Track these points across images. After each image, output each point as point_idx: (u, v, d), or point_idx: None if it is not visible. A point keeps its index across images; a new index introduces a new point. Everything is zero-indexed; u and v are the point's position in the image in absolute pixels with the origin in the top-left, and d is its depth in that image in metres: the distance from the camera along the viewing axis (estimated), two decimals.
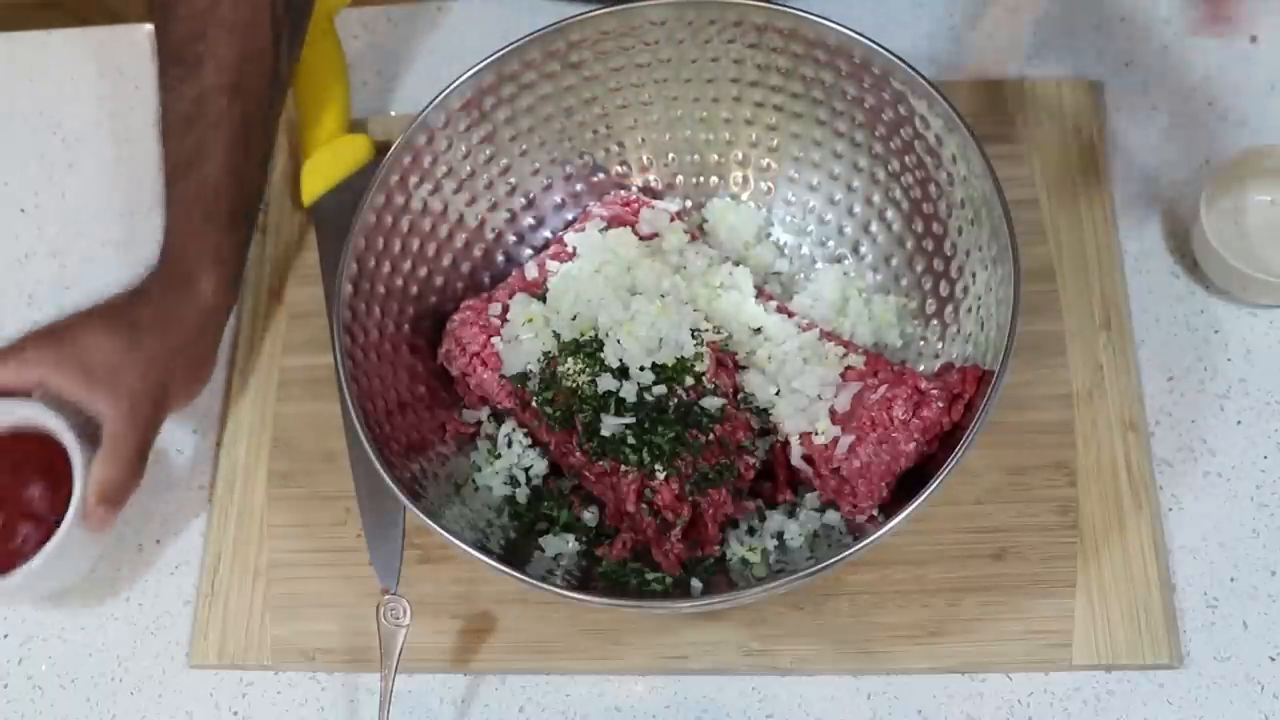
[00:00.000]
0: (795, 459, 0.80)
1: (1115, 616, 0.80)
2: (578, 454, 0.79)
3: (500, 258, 0.91)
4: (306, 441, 0.91)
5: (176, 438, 0.93)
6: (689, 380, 0.78)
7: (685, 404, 0.77)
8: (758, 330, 0.83)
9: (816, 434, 0.79)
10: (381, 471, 0.75)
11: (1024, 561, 0.82)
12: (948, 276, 0.83)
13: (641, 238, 0.86)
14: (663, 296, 0.81)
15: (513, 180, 0.90)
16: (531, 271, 0.87)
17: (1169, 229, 0.91)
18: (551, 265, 0.86)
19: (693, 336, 0.79)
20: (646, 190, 0.92)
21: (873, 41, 0.80)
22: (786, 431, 0.80)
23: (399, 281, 0.85)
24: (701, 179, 0.92)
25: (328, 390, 0.90)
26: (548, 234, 0.91)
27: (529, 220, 0.91)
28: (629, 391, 0.77)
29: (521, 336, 0.82)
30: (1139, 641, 0.79)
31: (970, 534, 0.83)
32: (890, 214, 0.87)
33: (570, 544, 0.81)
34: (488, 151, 0.88)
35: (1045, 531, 0.82)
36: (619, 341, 0.79)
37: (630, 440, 0.77)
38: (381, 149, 0.98)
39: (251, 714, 0.85)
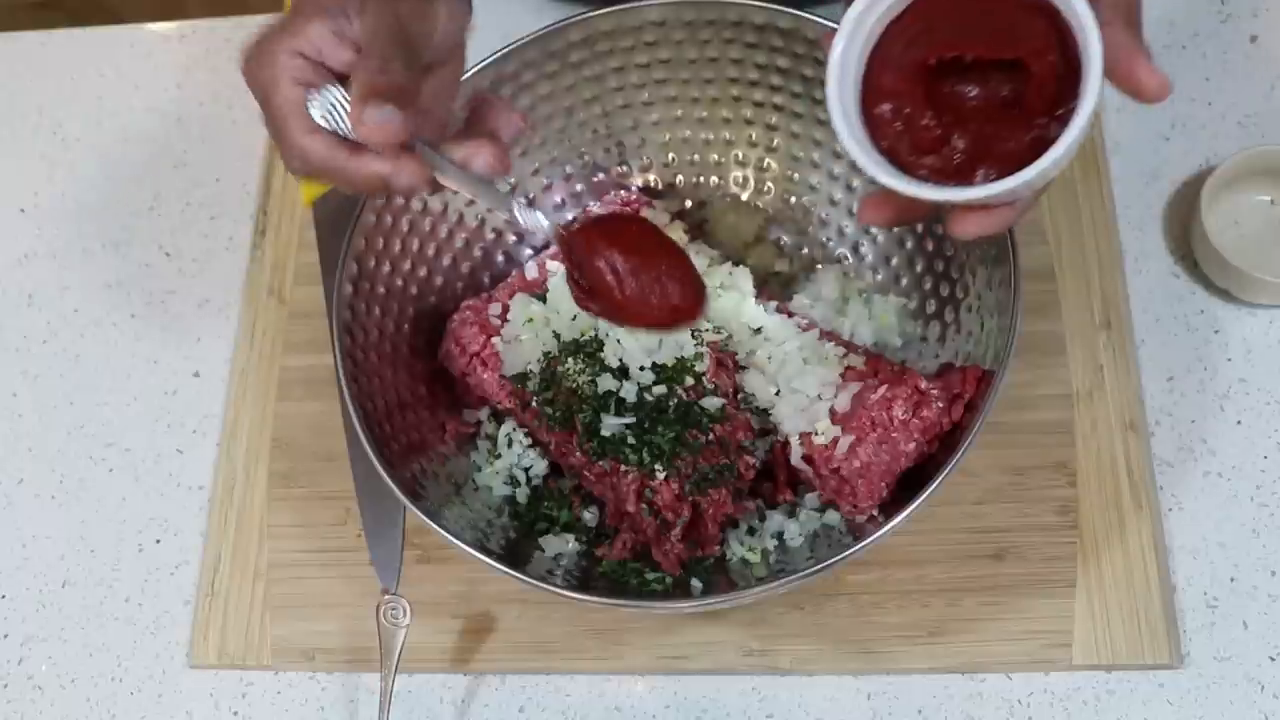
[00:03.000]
0: (795, 459, 0.80)
1: (1115, 616, 0.80)
2: (578, 454, 0.79)
3: (500, 258, 0.91)
4: (306, 441, 0.91)
5: (177, 438, 0.93)
6: (689, 380, 0.78)
7: (685, 404, 0.77)
8: (758, 330, 0.83)
9: (816, 434, 0.79)
10: (381, 471, 0.75)
11: (1024, 561, 0.82)
12: (948, 276, 0.83)
13: None
14: None
15: (513, 180, 0.90)
16: (531, 271, 0.87)
17: (1169, 229, 0.92)
18: (551, 265, 0.86)
19: (692, 336, 0.79)
20: (646, 190, 0.92)
21: None
22: (786, 431, 0.80)
23: (399, 281, 0.85)
24: (701, 179, 0.92)
25: (328, 390, 0.90)
26: None
27: None
28: (629, 391, 0.77)
29: (521, 336, 0.82)
30: (1139, 641, 0.79)
31: (970, 534, 0.83)
32: None
33: (570, 544, 0.81)
34: None
35: (1045, 531, 0.82)
36: (619, 341, 0.79)
37: (630, 440, 0.77)
38: None
39: (251, 714, 0.85)
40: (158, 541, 0.90)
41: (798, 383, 0.80)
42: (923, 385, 0.77)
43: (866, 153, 0.63)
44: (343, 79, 0.62)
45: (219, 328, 0.97)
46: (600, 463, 0.78)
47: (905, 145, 0.64)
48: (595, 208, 0.89)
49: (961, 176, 0.63)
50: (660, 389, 0.77)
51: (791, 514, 0.81)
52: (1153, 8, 0.99)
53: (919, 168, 0.63)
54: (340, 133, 0.62)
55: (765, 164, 0.91)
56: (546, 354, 0.81)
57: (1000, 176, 0.62)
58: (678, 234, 0.87)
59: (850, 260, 0.89)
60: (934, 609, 0.81)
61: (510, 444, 0.84)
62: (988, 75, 0.63)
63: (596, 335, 0.80)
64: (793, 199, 0.91)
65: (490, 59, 0.83)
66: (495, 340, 0.83)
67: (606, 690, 0.83)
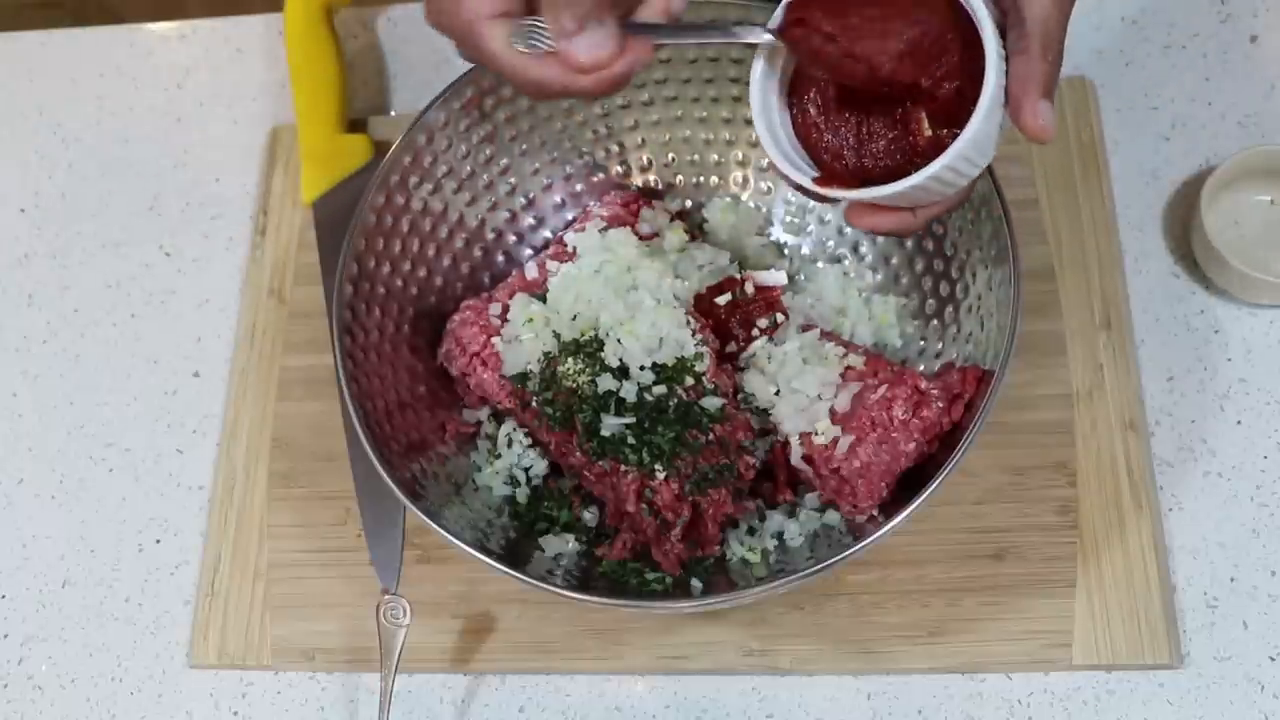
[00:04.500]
0: (795, 459, 0.80)
1: (1115, 616, 0.80)
2: (578, 454, 0.79)
3: (500, 258, 0.91)
4: (306, 441, 0.91)
5: (177, 438, 0.93)
6: (689, 380, 0.78)
7: (685, 404, 0.77)
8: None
9: (816, 434, 0.79)
10: (381, 471, 0.75)
11: (1024, 561, 0.82)
12: (948, 276, 0.83)
13: (641, 238, 0.86)
14: (658, 302, 0.81)
15: (513, 180, 0.90)
16: (531, 271, 0.87)
17: (1169, 229, 0.91)
18: (551, 265, 0.86)
19: (692, 336, 0.79)
20: (646, 190, 0.92)
21: None
22: (786, 431, 0.80)
23: (399, 281, 0.85)
24: (701, 179, 0.92)
25: (328, 390, 0.90)
26: (548, 234, 0.92)
27: (529, 220, 0.91)
28: (629, 391, 0.77)
29: (521, 336, 0.82)
30: (1139, 641, 0.79)
31: (970, 534, 0.83)
32: None
33: (570, 544, 0.81)
34: (488, 151, 0.88)
35: (1045, 531, 0.82)
36: (619, 341, 0.79)
37: (630, 440, 0.77)
38: (381, 149, 0.98)
39: (251, 714, 0.85)
40: (158, 541, 0.90)
41: (798, 383, 0.80)
42: (923, 385, 0.77)
43: (777, 143, 0.67)
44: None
45: (219, 328, 0.97)
46: (600, 463, 0.78)
47: (820, 134, 0.67)
48: (595, 207, 0.89)
49: (849, 176, 0.67)
50: (660, 389, 0.77)
51: (791, 514, 0.81)
52: (1153, 8, 0.99)
53: (826, 155, 0.67)
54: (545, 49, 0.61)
55: (765, 164, 0.91)
56: (546, 354, 0.81)
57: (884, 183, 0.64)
58: (678, 234, 0.87)
59: (850, 260, 0.89)
60: (934, 609, 0.81)
61: (510, 444, 0.84)
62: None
63: (596, 335, 0.80)
64: (793, 199, 0.91)
65: None
66: (495, 340, 0.83)
67: (606, 690, 0.83)
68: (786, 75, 0.68)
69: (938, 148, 0.64)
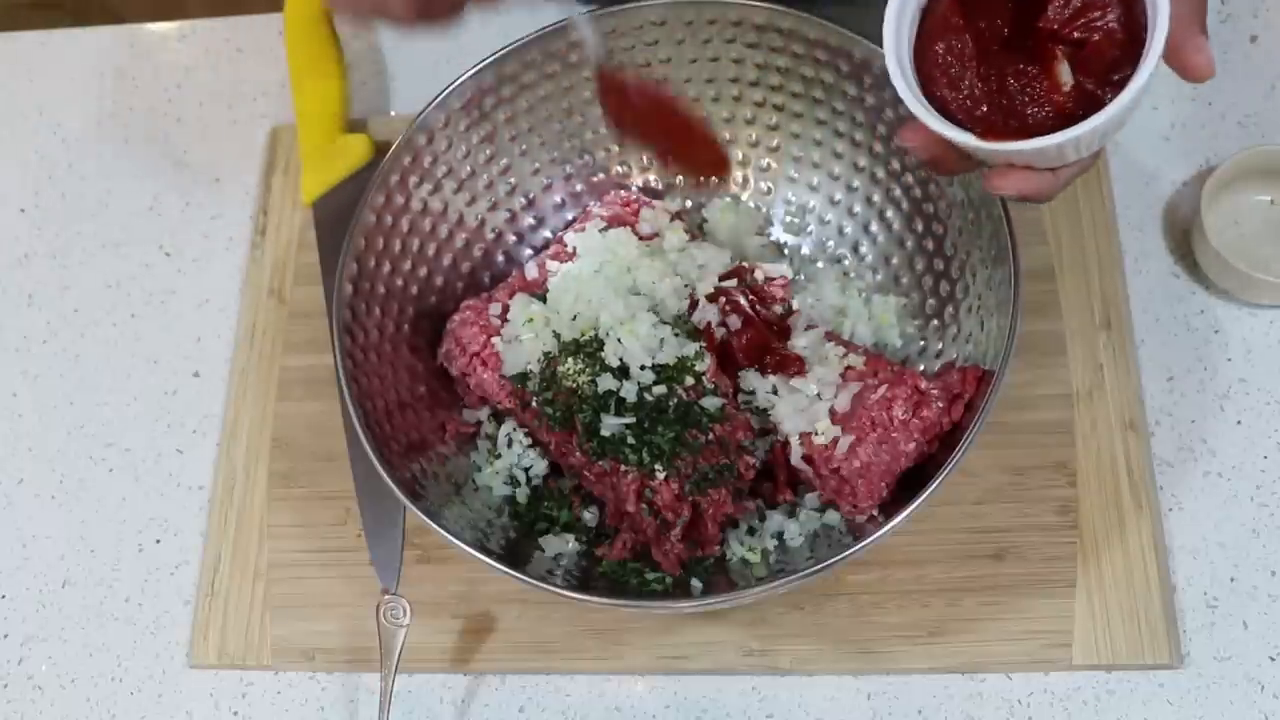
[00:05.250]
0: (795, 459, 0.80)
1: (1115, 616, 0.80)
2: (578, 454, 0.79)
3: (500, 258, 0.91)
4: (306, 441, 0.91)
5: (177, 438, 0.93)
6: (689, 380, 0.78)
7: (685, 404, 0.77)
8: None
9: (816, 434, 0.79)
10: (381, 471, 0.75)
11: (1024, 561, 0.82)
12: (948, 276, 0.83)
13: (641, 238, 0.86)
14: (655, 308, 0.81)
15: (513, 180, 0.90)
16: (531, 271, 0.87)
17: (1169, 229, 0.92)
18: (551, 265, 0.86)
19: (691, 339, 0.79)
20: (646, 190, 0.92)
21: (873, 42, 0.81)
22: (786, 431, 0.80)
23: (399, 281, 0.85)
24: (701, 179, 0.92)
25: (328, 390, 0.90)
26: (548, 234, 0.92)
27: (529, 220, 0.91)
28: (629, 391, 0.77)
29: (521, 336, 0.82)
30: (1139, 641, 0.79)
31: (970, 534, 0.83)
32: (890, 214, 0.87)
33: (570, 544, 0.81)
34: (488, 151, 0.88)
35: (1045, 531, 0.82)
36: (619, 341, 0.79)
37: (630, 440, 0.77)
38: (381, 149, 0.98)
39: (251, 714, 0.85)
40: (158, 541, 0.90)
41: (797, 382, 0.80)
42: (923, 385, 0.77)
43: (914, 95, 0.64)
44: None
45: (219, 328, 0.97)
46: (600, 463, 0.78)
47: (956, 94, 0.64)
48: (595, 207, 0.89)
49: (1004, 131, 0.63)
50: (660, 389, 0.77)
51: (791, 514, 0.81)
52: None
53: (965, 116, 0.63)
54: None
55: (765, 164, 0.91)
56: (546, 354, 0.81)
57: (1040, 135, 0.61)
58: (678, 234, 0.87)
59: (850, 260, 0.89)
60: (934, 609, 0.81)
61: (510, 444, 0.84)
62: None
63: (596, 335, 0.80)
64: (793, 199, 0.91)
65: (490, 59, 0.84)
66: (495, 340, 0.83)
67: (606, 690, 0.83)
68: (913, 34, 0.65)
69: (1085, 101, 0.61)
